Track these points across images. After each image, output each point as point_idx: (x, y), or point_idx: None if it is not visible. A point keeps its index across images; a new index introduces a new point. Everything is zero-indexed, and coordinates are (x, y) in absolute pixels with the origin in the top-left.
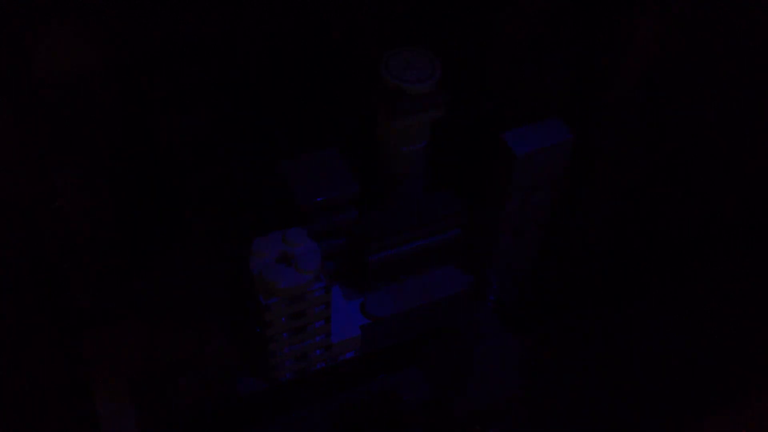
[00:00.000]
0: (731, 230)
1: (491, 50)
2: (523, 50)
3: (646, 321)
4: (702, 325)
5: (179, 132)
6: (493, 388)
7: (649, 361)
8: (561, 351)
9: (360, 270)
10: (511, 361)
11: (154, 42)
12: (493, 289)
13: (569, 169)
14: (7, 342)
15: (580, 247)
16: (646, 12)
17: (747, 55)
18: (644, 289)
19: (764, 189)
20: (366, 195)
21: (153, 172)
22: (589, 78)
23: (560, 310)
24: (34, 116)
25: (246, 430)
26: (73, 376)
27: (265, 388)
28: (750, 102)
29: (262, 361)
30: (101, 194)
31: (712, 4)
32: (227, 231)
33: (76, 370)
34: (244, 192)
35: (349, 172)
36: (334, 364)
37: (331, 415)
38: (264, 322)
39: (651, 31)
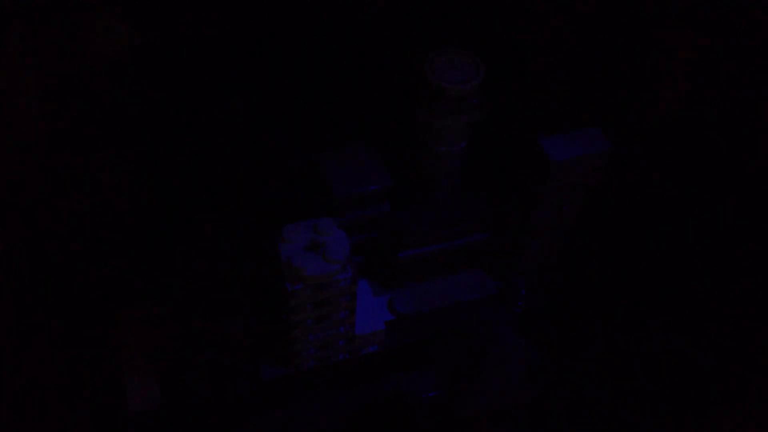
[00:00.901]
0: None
1: (535, 56)
2: (567, 59)
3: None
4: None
5: (218, 116)
6: (504, 390)
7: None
8: (566, 352)
9: (389, 266)
10: (523, 365)
11: (198, 26)
12: (521, 295)
13: (604, 179)
14: (44, 317)
15: (607, 255)
16: (686, 33)
17: None
18: (660, 295)
19: None
20: (400, 192)
21: (189, 155)
22: (633, 92)
23: (582, 317)
24: (85, 94)
25: (266, 413)
26: (103, 351)
27: (287, 375)
28: None
29: (286, 348)
30: (139, 174)
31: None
32: (259, 216)
33: (106, 344)
34: (278, 179)
35: (384, 167)
36: (357, 356)
37: (347, 408)
38: (289, 308)
39: (693, 49)
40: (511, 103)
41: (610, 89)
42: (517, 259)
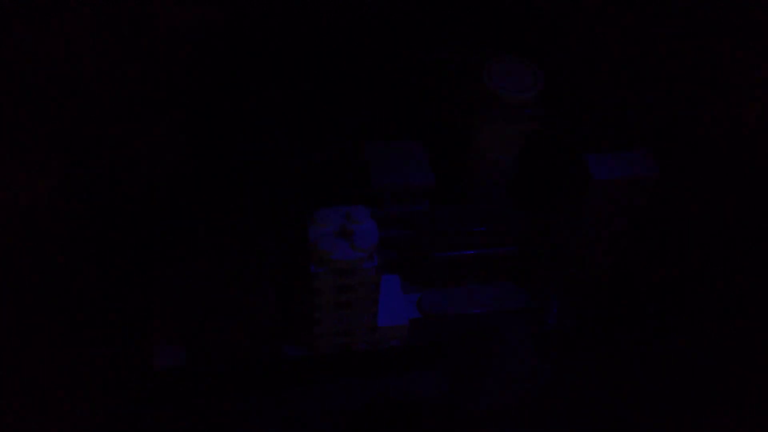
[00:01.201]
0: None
1: (594, 70)
2: (629, 75)
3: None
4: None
5: (271, 97)
6: (506, 395)
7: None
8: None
9: (422, 264)
10: (531, 381)
11: (264, 9)
12: (553, 313)
13: (649, 203)
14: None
15: (647, 283)
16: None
17: None
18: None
19: None
20: (441, 192)
21: (234, 129)
22: (689, 117)
23: (610, 341)
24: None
25: (283, 390)
26: (132, 313)
27: (306, 357)
28: None
29: (308, 331)
30: (181, 146)
31: None
32: (297, 197)
33: (135, 307)
34: (320, 164)
35: (428, 164)
36: (377, 348)
37: (356, 397)
38: (312, 290)
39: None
40: (564, 115)
41: (672, 111)
42: (552, 276)
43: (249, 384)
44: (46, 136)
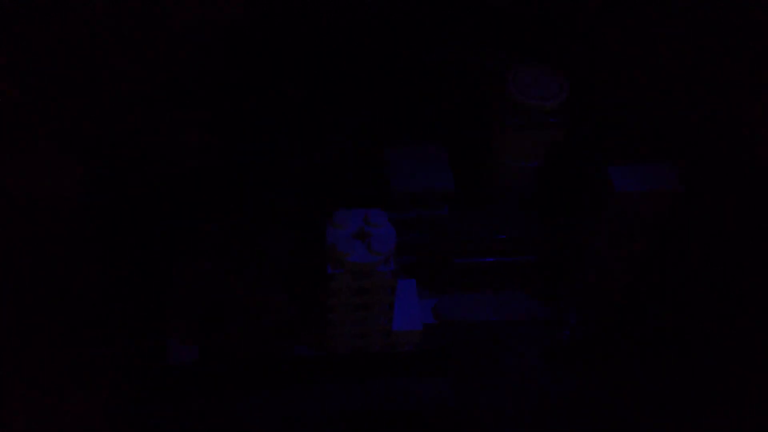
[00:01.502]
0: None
1: (620, 80)
2: (653, 88)
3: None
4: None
5: (287, 99)
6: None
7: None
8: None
9: (440, 270)
10: (537, 382)
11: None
12: (570, 324)
13: (671, 218)
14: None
15: (667, 297)
16: None
17: None
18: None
19: None
20: (461, 198)
21: (254, 135)
22: (715, 131)
23: (625, 354)
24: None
25: (291, 389)
26: (149, 308)
27: (318, 357)
28: None
29: (322, 331)
30: (197, 146)
31: None
32: (316, 199)
33: (151, 302)
34: (344, 167)
35: (449, 170)
36: (391, 351)
37: (364, 399)
38: (328, 291)
39: None
40: (588, 125)
41: (697, 125)
42: (570, 287)
43: (258, 382)
44: (67, 136)
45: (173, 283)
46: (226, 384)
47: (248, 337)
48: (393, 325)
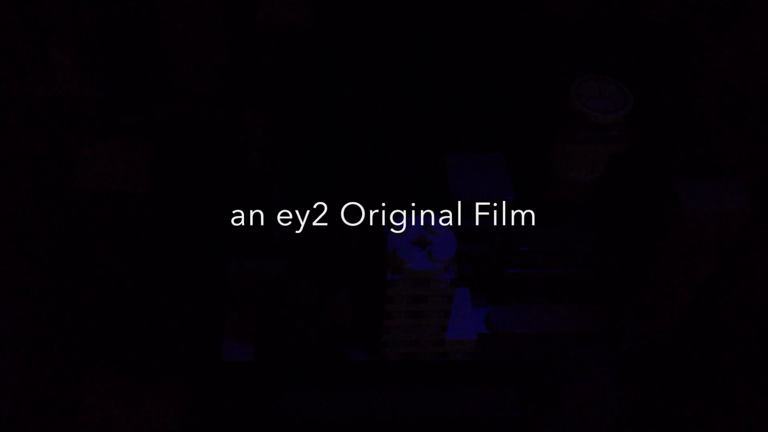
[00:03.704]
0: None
1: (688, 94)
2: (722, 102)
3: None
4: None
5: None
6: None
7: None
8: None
9: (495, 280)
10: (609, 408)
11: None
12: (626, 339)
13: (740, 236)
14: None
15: (730, 317)
16: None
17: None
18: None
19: None
20: (520, 209)
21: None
22: None
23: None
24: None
25: (347, 392)
26: (207, 305)
27: (372, 362)
28: None
29: (377, 337)
30: (278, 136)
31: None
32: (377, 204)
33: (210, 298)
34: (405, 172)
35: (508, 181)
36: (444, 360)
37: (417, 407)
38: (385, 297)
39: None
40: (653, 139)
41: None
42: (628, 302)
43: (310, 384)
44: (136, 133)
45: (232, 282)
46: (277, 384)
47: (304, 338)
48: (447, 334)
